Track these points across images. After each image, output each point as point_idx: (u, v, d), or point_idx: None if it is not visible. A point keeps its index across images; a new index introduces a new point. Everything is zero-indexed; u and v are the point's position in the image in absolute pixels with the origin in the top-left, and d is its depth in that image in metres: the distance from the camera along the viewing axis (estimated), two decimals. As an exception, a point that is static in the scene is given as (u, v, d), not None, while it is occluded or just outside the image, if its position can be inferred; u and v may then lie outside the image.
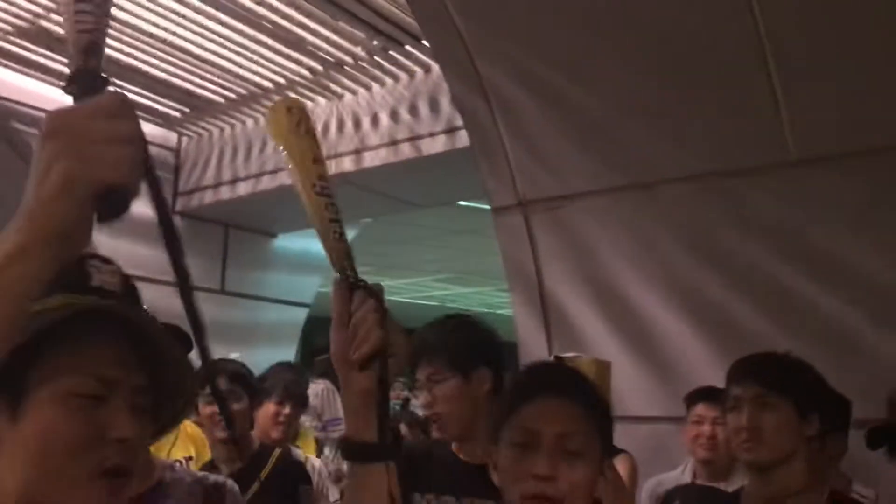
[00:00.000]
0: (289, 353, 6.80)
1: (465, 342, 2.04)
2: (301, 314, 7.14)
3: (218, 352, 2.76)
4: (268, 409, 3.20)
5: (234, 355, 2.98)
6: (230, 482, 1.88)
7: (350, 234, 6.89)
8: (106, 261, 1.00)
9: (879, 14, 2.65)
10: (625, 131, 3.32)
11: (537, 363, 1.66)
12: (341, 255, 1.08)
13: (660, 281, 3.34)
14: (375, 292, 1.07)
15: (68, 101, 0.84)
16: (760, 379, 1.86)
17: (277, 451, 2.88)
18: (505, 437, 1.28)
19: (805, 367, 1.92)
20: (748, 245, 3.09)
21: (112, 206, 0.79)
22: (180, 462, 2.84)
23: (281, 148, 1.08)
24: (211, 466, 2.64)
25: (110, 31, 4.38)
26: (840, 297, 2.90)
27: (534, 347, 3.70)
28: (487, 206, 4.02)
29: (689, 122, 3.16)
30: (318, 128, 5.16)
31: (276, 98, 5.21)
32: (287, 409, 3.23)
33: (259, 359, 4.29)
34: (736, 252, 3.13)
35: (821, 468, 2.10)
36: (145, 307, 1.04)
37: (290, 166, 1.07)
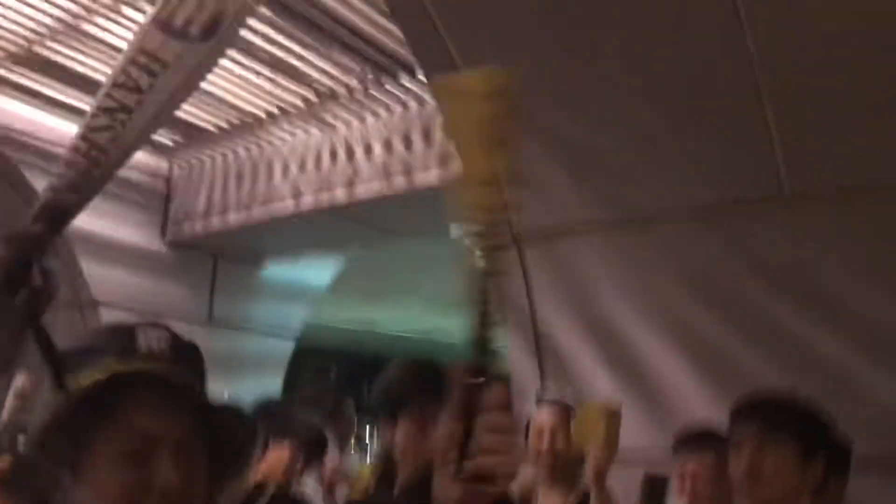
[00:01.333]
0: (275, 385, 6.74)
1: (434, 389, 2.07)
2: (288, 345, 7.08)
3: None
4: (283, 452, 3.08)
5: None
6: None
7: (338, 264, 6.82)
8: (155, 325, 1.11)
9: (875, 47, 2.66)
10: (620, 166, 3.32)
11: None
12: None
13: (654, 316, 3.32)
14: None
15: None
16: (763, 418, 1.82)
17: (272, 488, 2.86)
18: None
19: (811, 408, 1.87)
20: (744, 281, 3.08)
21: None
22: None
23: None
24: None
25: (108, 60, 4.39)
26: (837, 335, 2.88)
27: (527, 382, 3.66)
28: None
29: (684, 158, 3.16)
30: (311, 159, 5.17)
31: (269, 128, 5.21)
32: (301, 462, 3.16)
33: (245, 390, 4.23)
34: (732, 288, 3.11)
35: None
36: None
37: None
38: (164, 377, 1.05)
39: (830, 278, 2.90)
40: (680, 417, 3.11)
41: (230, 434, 1.12)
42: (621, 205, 3.37)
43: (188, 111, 5.06)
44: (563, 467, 2.83)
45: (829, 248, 2.92)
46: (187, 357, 1.12)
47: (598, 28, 3.05)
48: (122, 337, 1.08)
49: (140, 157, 5.78)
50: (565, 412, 2.94)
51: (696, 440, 2.86)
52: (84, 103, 5.00)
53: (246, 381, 5.60)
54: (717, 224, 3.16)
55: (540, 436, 2.91)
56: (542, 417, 2.95)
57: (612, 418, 2.57)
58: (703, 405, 3.10)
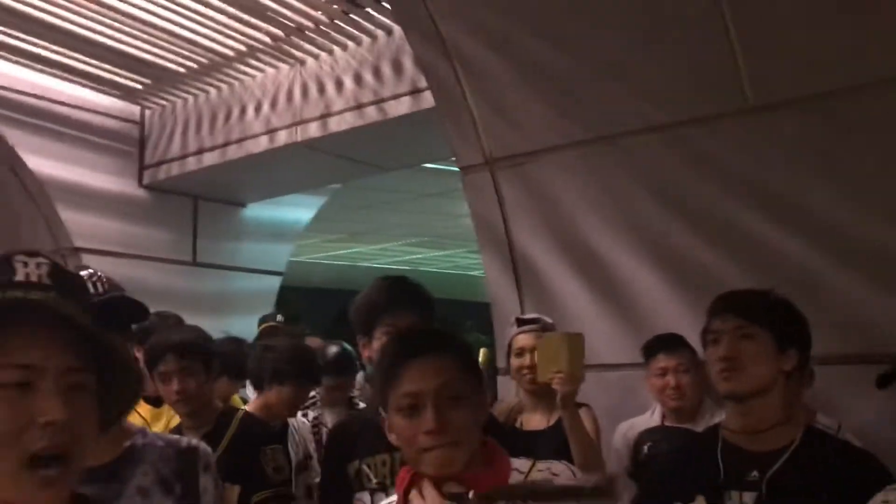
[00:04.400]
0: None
1: (407, 301, 2.15)
2: (275, 282, 7.15)
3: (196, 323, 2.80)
4: (286, 391, 3.20)
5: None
6: (203, 444, 1.90)
7: (319, 201, 6.84)
8: (32, 254, 1.06)
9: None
10: (586, 86, 3.35)
11: (403, 333, 1.69)
12: None
13: (625, 230, 3.40)
14: None
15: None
16: (741, 311, 1.87)
17: (240, 413, 2.92)
18: (392, 404, 1.39)
19: (785, 303, 1.93)
20: (710, 192, 3.15)
21: None
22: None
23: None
24: (179, 431, 2.66)
25: (68, 4, 4.32)
26: (801, 239, 2.96)
27: (506, 305, 3.75)
28: (454, 168, 4.03)
29: (649, 75, 3.20)
30: (282, 94, 5.16)
31: (238, 66, 5.17)
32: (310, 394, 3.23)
33: (235, 329, 4.32)
34: (698, 199, 3.19)
35: (796, 402, 2.15)
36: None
37: None
38: (43, 306, 1.00)
39: (793, 185, 2.98)
40: (651, 325, 3.23)
41: (123, 364, 1.07)
42: (589, 124, 3.42)
43: (156, 52, 5.00)
44: (545, 387, 2.92)
45: (790, 155, 2.99)
46: (69, 286, 1.08)
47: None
48: None
49: (110, 102, 5.74)
50: (545, 332, 3.02)
51: (668, 342, 2.99)
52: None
53: (235, 319, 5.68)
54: (683, 137, 3.21)
55: (522, 355, 2.99)
56: (524, 337, 3.03)
57: (575, 346, 2.63)
58: (672, 312, 3.21)
